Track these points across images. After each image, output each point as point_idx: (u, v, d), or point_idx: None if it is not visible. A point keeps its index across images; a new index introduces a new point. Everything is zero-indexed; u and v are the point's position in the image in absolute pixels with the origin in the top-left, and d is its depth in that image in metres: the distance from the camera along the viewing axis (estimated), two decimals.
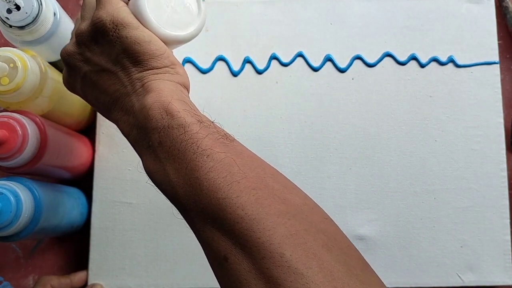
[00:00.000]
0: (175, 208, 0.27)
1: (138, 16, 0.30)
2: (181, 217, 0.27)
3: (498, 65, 0.47)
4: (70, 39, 0.32)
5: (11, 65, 0.33)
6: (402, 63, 0.47)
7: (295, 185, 0.27)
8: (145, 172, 0.28)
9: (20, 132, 0.34)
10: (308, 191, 0.27)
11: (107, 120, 0.46)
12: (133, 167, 0.46)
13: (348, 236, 0.26)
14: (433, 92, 0.47)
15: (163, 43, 0.30)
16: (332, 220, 0.26)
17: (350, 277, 0.22)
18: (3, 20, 0.34)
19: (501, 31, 0.50)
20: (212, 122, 0.28)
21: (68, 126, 0.44)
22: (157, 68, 0.29)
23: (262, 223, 0.23)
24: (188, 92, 0.31)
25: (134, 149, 0.29)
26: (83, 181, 0.47)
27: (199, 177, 0.25)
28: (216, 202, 0.24)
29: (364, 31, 0.48)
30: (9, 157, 0.34)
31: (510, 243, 0.45)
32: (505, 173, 0.46)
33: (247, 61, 0.48)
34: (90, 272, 0.44)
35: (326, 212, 0.27)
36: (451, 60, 0.47)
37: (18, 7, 0.34)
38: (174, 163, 0.26)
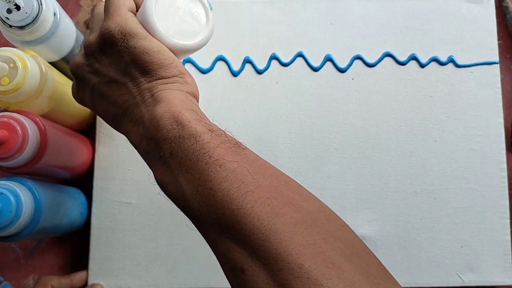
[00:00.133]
0: (188, 220, 0.27)
1: (146, 26, 0.30)
2: (194, 227, 0.27)
3: (498, 65, 0.47)
4: (79, 51, 0.32)
5: (11, 65, 0.33)
6: (402, 63, 0.47)
7: (310, 192, 0.27)
8: (156, 183, 0.28)
9: (20, 132, 0.34)
10: None
11: None
12: (133, 167, 0.46)
13: None
14: (433, 92, 0.47)
15: (171, 53, 0.30)
16: (349, 227, 0.26)
17: (370, 287, 0.22)
18: (3, 20, 0.34)
19: (501, 31, 0.50)
20: (223, 130, 0.28)
21: (68, 126, 0.44)
22: (166, 78, 0.29)
23: (279, 233, 0.23)
24: (198, 101, 0.31)
25: (145, 160, 0.29)
26: (83, 181, 0.47)
27: (213, 187, 0.24)
28: (230, 213, 0.24)
29: (364, 31, 0.48)
30: (9, 157, 0.34)
31: (510, 243, 0.45)
32: (505, 173, 0.46)
33: (247, 61, 0.48)
34: (90, 272, 0.44)
35: None
36: (451, 60, 0.47)
37: (18, 7, 0.34)
38: (186, 174, 0.25)
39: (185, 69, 0.31)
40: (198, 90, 0.32)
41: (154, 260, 0.44)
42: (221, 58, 0.48)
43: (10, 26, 0.35)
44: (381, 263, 0.25)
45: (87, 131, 0.48)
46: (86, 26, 0.51)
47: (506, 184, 0.46)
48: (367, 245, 0.25)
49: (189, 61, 0.47)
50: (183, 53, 0.32)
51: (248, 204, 0.24)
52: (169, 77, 0.29)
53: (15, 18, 0.34)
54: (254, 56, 0.48)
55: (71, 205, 0.43)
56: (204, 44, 0.32)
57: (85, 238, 0.46)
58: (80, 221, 0.45)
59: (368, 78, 0.47)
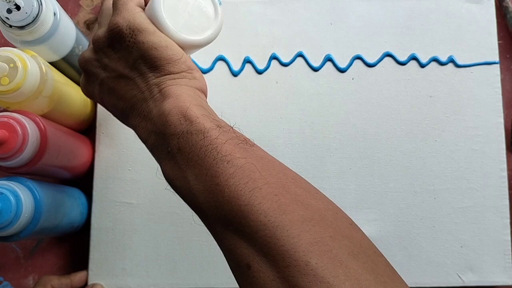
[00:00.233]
0: (196, 215, 0.27)
1: (155, 21, 0.30)
2: (201, 223, 0.27)
3: (498, 65, 0.47)
4: (88, 46, 0.32)
5: (11, 65, 0.33)
6: (402, 63, 0.47)
7: (317, 190, 0.27)
8: (164, 178, 0.28)
9: (20, 132, 0.34)
10: None
11: (107, 120, 0.47)
12: (133, 167, 0.46)
13: None
14: (433, 92, 0.47)
15: (180, 48, 0.30)
16: (357, 226, 0.26)
17: (377, 285, 0.22)
18: (3, 20, 0.34)
19: (501, 31, 0.50)
20: (231, 127, 0.28)
21: (68, 126, 0.44)
22: (174, 73, 0.29)
23: (286, 230, 0.23)
24: (206, 97, 0.31)
25: (153, 155, 0.29)
26: (83, 181, 0.47)
27: (220, 183, 0.24)
28: (238, 209, 0.24)
29: (364, 31, 0.48)
30: (9, 157, 0.34)
31: (510, 243, 0.45)
32: (505, 173, 0.46)
33: (247, 61, 0.48)
34: (90, 272, 0.44)
35: None
36: (451, 60, 0.47)
37: (18, 7, 0.34)
38: (194, 169, 0.25)
39: (194, 64, 0.31)
40: (206, 85, 0.32)
41: (154, 260, 0.44)
42: (221, 58, 0.48)
43: (10, 26, 0.35)
44: (389, 262, 0.24)
45: (87, 131, 0.48)
46: (86, 26, 0.51)
47: (506, 184, 0.46)
48: (374, 244, 0.25)
49: None
50: (192, 49, 0.32)
51: (255, 200, 0.23)
52: (177, 73, 0.29)
53: (15, 18, 0.34)
54: (254, 56, 0.48)
55: (71, 205, 0.43)
56: (213, 39, 0.32)
57: (85, 238, 0.46)
58: (80, 221, 0.45)
59: (368, 78, 0.47)
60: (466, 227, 0.45)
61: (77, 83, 0.45)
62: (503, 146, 0.46)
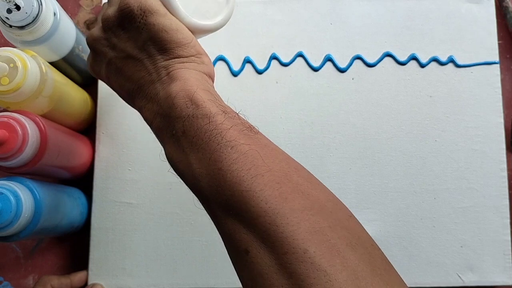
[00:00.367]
0: (196, 198, 0.27)
1: (166, 4, 0.29)
2: (201, 207, 0.27)
3: (498, 65, 0.47)
4: (96, 24, 0.32)
5: (11, 65, 0.33)
6: (402, 63, 0.47)
7: (319, 181, 0.27)
8: (167, 160, 0.28)
9: (20, 132, 0.34)
10: None
11: (107, 120, 0.47)
12: (133, 167, 0.46)
13: None
14: (433, 92, 0.47)
15: (190, 32, 0.30)
16: (356, 218, 0.26)
17: (373, 277, 0.22)
18: (3, 20, 0.34)
19: (501, 31, 0.50)
20: (237, 113, 0.28)
21: (68, 126, 0.44)
22: (183, 57, 0.29)
23: (286, 217, 0.23)
24: (213, 82, 0.31)
25: (157, 137, 0.29)
26: (83, 181, 0.47)
27: (223, 168, 0.24)
28: (239, 195, 0.24)
29: (364, 31, 0.48)
30: (9, 157, 0.34)
31: (510, 243, 0.45)
32: (505, 173, 0.46)
33: (247, 61, 0.48)
34: (90, 272, 0.44)
35: None
36: (451, 60, 0.47)
37: (18, 7, 0.34)
38: (197, 153, 0.26)
39: (203, 49, 0.31)
40: (214, 71, 0.32)
41: (154, 260, 0.44)
42: (221, 58, 0.48)
43: (10, 26, 0.35)
44: (385, 256, 0.25)
45: (87, 131, 0.48)
46: (86, 26, 0.51)
47: (506, 184, 0.46)
48: (372, 238, 0.25)
49: None
50: (202, 33, 0.32)
51: (257, 187, 0.24)
52: (186, 56, 0.29)
53: (15, 18, 0.34)
54: (254, 56, 0.48)
55: (71, 205, 0.43)
56: (223, 25, 0.32)
57: (85, 238, 0.46)
58: (80, 221, 0.45)
59: (368, 78, 0.47)
60: (466, 227, 0.45)
61: (77, 83, 0.45)
62: (503, 146, 0.46)
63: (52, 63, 0.40)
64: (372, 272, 0.22)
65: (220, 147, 0.25)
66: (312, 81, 0.47)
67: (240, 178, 0.24)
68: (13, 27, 0.35)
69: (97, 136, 0.46)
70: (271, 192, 0.23)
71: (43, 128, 0.36)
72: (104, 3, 0.33)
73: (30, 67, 0.34)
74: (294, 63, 0.48)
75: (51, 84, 0.38)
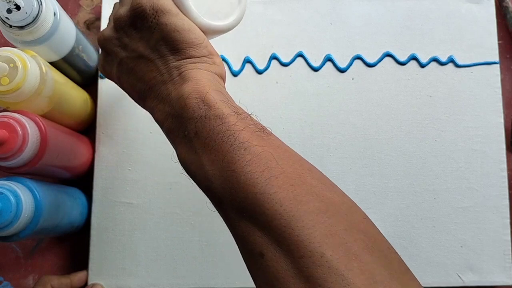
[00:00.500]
0: (209, 200, 0.27)
1: (178, 4, 0.29)
2: (214, 209, 0.26)
3: (498, 65, 0.47)
4: (108, 24, 0.32)
5: (11, 65, 0.33)
6: (402, 63, 0.47)
7: (333, 182, 0.27)
8: (179, 161, 0.28)
9: (20, 132, 0.34)
10: None
11: (107, 120, 0.47)
12: (133, 167, 0.46)
13: None
14: (433, 92, 0.47)
15: (202, 32, 0.30)
16: (371, 220, 0.26)
17: (391, 280, 0.22)
18: (3, 20, 0.34)
19: (501, 31, 0.50)
20: (249, 114, 0.28)
21: (68, 126, 0.44)
22: (195, 57, 0.29)
23: (301, 220, 0.22)
24: (224, 83, 0.31)
25: (168, 138, 0.29)
26: (83, 181, 0.47)
27: (236, 170, 0.24)
28: (253, 197, 0.24)
29: (364, 31, 0.48)
30: (9, 157, 0.34)
31: (510, 243, 0.45)
32: (505, 173, 0.46)
33: (247, 61, 0.48)
34: (90, 272, 0.44)
35: None
36: (451, 60, 0.47)
37: (18, 7, 0.34)
38: (210, 155, 0.25)
39: (214, 49, 0.31)
40: (225, 71, 0.31)
41: (154, 260, 0.44)
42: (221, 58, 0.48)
43: (10, 26, 0.35)
44: (401, 258, 0.24)
45: (87, 131, 0.48)
46: (86, 26, 0.51)
47: (506, 184, 0.46)
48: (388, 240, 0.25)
49: None
50: (214, 34, 0.32)
51: (271, 189, 0.23)
52: (198, 57, 0.29)
53: (15, 18, 0.34)
54: (254, 56, 0.48)
55: (71, 205, 0.43)
56: (235, 25, 0.32)
57: (85, 238, 0.46)
58: (80, 221, 0.45)
59: (368, 78, 0.47)
60: (466, 227, 0.45)
61: (77, 83, 0.45)
62: (503, 146, 0.46)
63: (52, 63, 0.40)
64: (389, 276, 0.22)
65: (233, 148, 0.25)
66: (312, 81, 0.47)
67: (254, 180, 0.24)
68: (13, 27, 0.35)
69: (97, 136, 0.46)
70: (285, 195, 0.23)
71: (43, 128, 0.36)
72: (116, 3, 0.33)
73: (30, 67, 0.34)
74: (294, 63, 0.48)
75: (51, 84, 0.38)
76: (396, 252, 0.25)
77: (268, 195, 0.23)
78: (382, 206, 0.45)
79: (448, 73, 0.47)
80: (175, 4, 0.29)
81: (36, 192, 0.36)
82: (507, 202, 0.45)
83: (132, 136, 0.46)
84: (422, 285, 0.45)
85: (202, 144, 0.26)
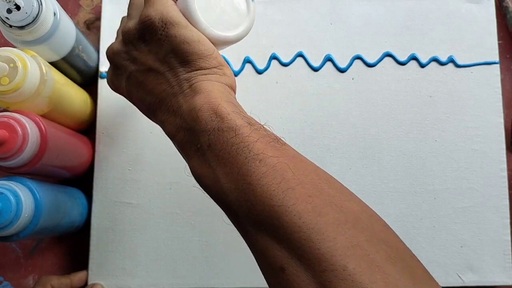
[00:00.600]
0: (225, 214, 0.26)
1: (187, 15, 0.29)
2: (229, 222, 0.26)
3: (498, 65, 0.47)
4: (116, 38, 0.32)
5: (11, 65, 0.33)
6: (402, 63, 0.47)
7: (351, 191, 0.26)
8: (192, 175, 0.27)
9: (20, 132, 0.34)
10: None
11: (107, 120, 0.47)
12: (133, 167, 0.46)
13: None
14: (433, 92, 0.47)
15: (211, 44, 0.30)
16: (391, 229, 0.25)
17: None
18: (3, 20, 0.34)
19: (501, 31, 0.50)
20: (262, 125, 0.27)
21: (68, 126, 0.44)
22: (205, 69, 0.29)
23: (322, 233, 0.22)
24: (235, 93, 0.31)
25: (180, 151, 0.28)
26: (83, 181, 0.47)
27: (252, 183, 0.24)
28: (270, 210, 0.23)
29: (364, 31, 0.48)
30: (9, 157, 0.34)
31: (510, 243, 0.45)
32: (505, 173, 0.46)
33: (247, 61, 0.48)
34: (90, 272, 0.44)
35: None
36: (451, 60, 0.47)
37: (18, 7, 0.34)
38: (224, 167, 0.25)
39: (224, 60, 0.30)
40: (235, 82, 0.31)
41: (154, 260, 0.44)
42: None
43: (10, 26, 0.34)
44: (424, 267, 0.24)
45: (87, 131, 0.48)
46: (86, 26, 0.51)
47: (506, 184, 0.46)
48: (409, 248, 0.24)
49: None
50: (223, 45, 0.31)
51: (289, 201, 0.23)
52: (208, 68, 0.29)
53: (15, 18, 0.34)
54: (254, 56, 0.48)
55: (71, 205, 0.43)
56: (244, 36, 0.32)
57: (85, 238, 0.46)
58: (80, 221, 0.45)
59: (368, 78, 0.47)
60: (466, 227, 0.45)
61: (77, 83, 0.45)
62: (503, 146, 0.46)
63: (52, 63, 0.40)
64: (414, 286, 0.21)
65: (248, 160, 0.24)
66: (312, 81, 0.47)
67: (271, 192, 0.23)
68: (13, 27, 0.35)
69: (97, 136, 0.46)
70: (303, 206, 0.23)
71: (43, 128, 0.36)
72: (123, 17, 0.32)
73: (30, 67, 0.34)
74: (294, 63, 0.48)
75: (51, 84, 0.38)
76: (419, 261, 0.24)
77: (286, 207, 0.23)
78: (382, 206, 0.45)
79: (448, 73, 0.47)
80: (184, 15, 0.29)
81: (36, 192, 0.36)
82: (507, 202, 0.45)
83: (132, 136, 0.46)
84: None
85: (216, 157, 0.25)
